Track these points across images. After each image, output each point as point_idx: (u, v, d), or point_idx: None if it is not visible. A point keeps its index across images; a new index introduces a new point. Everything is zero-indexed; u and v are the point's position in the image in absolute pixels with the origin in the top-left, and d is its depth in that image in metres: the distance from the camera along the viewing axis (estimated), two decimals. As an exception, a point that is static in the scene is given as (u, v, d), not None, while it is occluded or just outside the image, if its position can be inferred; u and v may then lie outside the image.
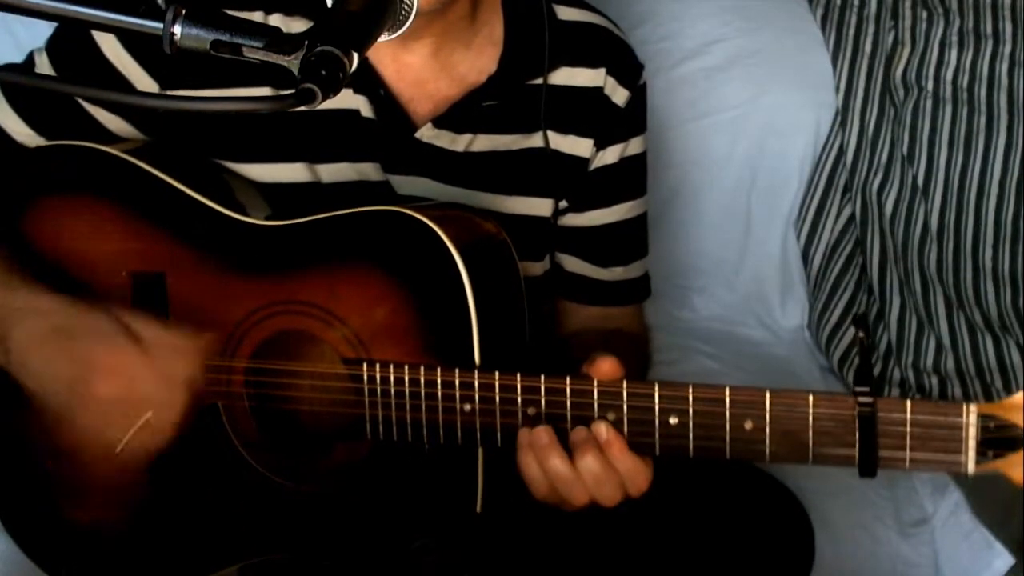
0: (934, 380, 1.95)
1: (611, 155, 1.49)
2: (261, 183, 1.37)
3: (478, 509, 1.23)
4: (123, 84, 1.34)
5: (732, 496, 1.35)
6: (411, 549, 1.29)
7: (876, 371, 2.00)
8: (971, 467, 1.07)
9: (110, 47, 1.34)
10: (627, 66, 1.48)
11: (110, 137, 1.38)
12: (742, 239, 2.05)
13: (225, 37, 0.90)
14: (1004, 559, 1.63)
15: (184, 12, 0.89)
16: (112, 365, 1.25)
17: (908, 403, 1.07)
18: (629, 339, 1.58)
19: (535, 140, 1.43)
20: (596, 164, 1.48)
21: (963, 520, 1.69)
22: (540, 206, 1.46)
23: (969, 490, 1.70)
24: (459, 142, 1.40)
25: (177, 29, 0.89)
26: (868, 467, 1.09)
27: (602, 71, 1.45)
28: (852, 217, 2.04)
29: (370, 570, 1.30)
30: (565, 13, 1.46)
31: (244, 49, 0.90)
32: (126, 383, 1.24)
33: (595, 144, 1.47)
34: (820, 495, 1.52)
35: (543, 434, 1.17)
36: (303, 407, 1.29)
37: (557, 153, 1.45)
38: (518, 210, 1.44)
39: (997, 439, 1.06)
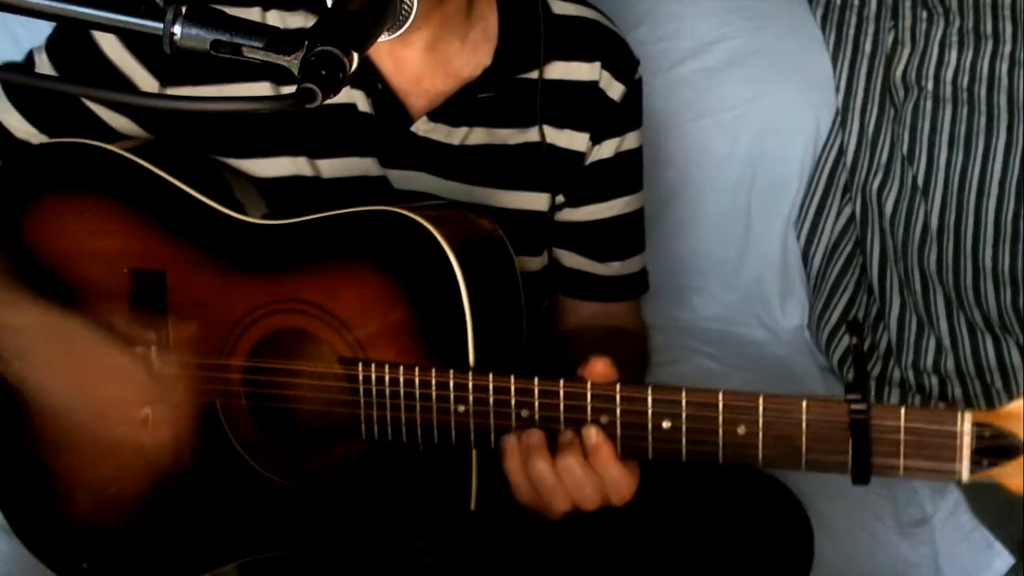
0: (934, 380, 1.95)
1: (607, 149, 1.49)
2: (261, 179, 1.37)
3: (472, 507, 1.24)
4: (123, 82, 1.34)
5: (731, 496, 1.35)
6: (410, 549, 1.29)
7: (876, 371, 2.00)
8: (966, 475, 1.06)
9: (110, 45, 1.34)
10: (622, 60, 1.48)
11: (112, 134, 1.38)
12: (742, 239, 2.05)
13: (225, 37, 0.91)
14: (1004, 559, 1.63)
15: (184, 12, 0.90)
16: (113, 378, 1.26)
17: (902, 410, 1.06)
18: (628, 336, 1.58)
19: (531, 134, 1.44)
20: (592, 158, 1.48)
21: (963, 520, 1.69)
22: (537, 200, 1.47)
23: (968, 490, 1.70)
24: (455, 135, 1.40)
25: (177, 29, 0.90)
26: (861, 474, 1.08)
27: (597, 65, 1.46)
28: (852, 217, 2.04)
29: (368, 569, 1.31)
30: (560, 7, 1.46)
31: (244, 49, 0.91)
32: (125, 396, 1.25)
33: (591, 138, 1.47)
34: (819, 495, 1.52)
35: (533, 435, 1.17)
36: (300, 406, 1.29)
37: (553, 147, 1.45)
38: (515, 204, 1.44)
39: (993, 447, 1.05)
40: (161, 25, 0.90)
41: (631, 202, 1.55)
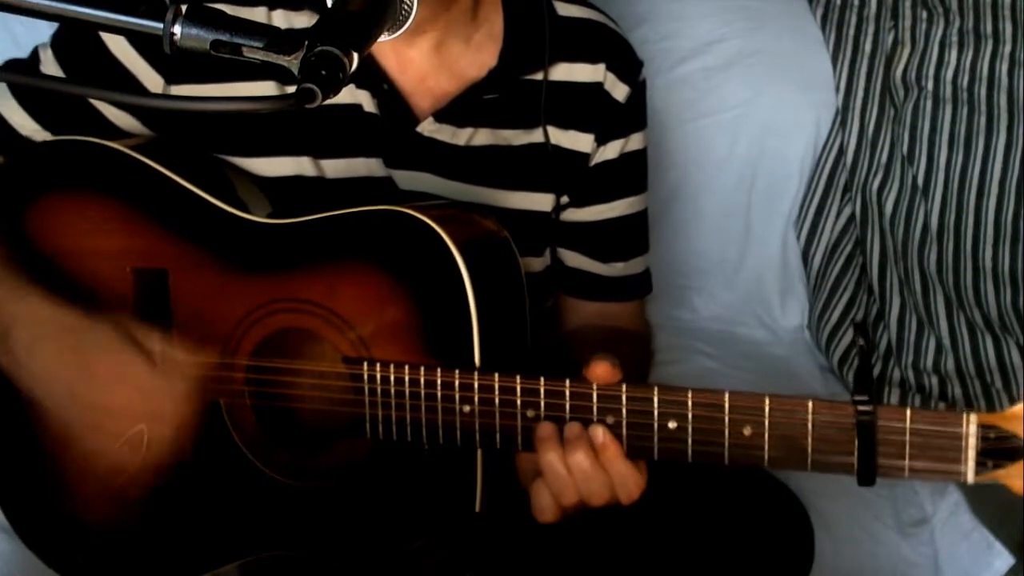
0: (934, 380, 1.95)
1: (611, 151, 1.49)
2: (266, 178, 1.37)
3: (477, 509, 1.24)
4: (129, 80, 1.34)
5: (732, 495, 1.35)
6: (411, 549, 1.29)
7: (876, 371, 2.00)
8: (970, 477, 1.06)
9: (115, 42, 1.34)
10: (627, 62, 1.49)
11: (116, 132, 1.38)
12: (742, 239, 2.05)
13: (225, 37, 0.90)
14: (1004, 559, 1.63)
15: (184, 12, 0.90)
16: (115, 374, 1.25)
17: (908, 412, 1.07)
18: (630, 337, 1.58)
19: (536, 135, 1.44)
20: (597, 160, 1.49)
21: (963, 520, 1.69)
22: (541, 201, 1.47)
23: (968, 491, 1.71)
24: (460, 136, 1.40)
25: (177, 29, 0.90)
26: (867, 475, 1.09)
27: (601, 67, 1.46)
28: (852, 217, 2.04)
29: (370, 570, 1.31)
30: (564, 9, 1.46)
31: (244, 49, 0.91)
32: (127, 393, 1.24)
33: (596, 140, 1.47)
34: (820, 495, 1.52)
35: (545, 428, 1.17)
36: (304, 405, 1.29)
37: (558, 148, 1.45)
38: (519, 205, 1.45)
39: (997, 449, 1.05)
40: (161, 25, 0.90)
41: (635, 203, 1.55)
